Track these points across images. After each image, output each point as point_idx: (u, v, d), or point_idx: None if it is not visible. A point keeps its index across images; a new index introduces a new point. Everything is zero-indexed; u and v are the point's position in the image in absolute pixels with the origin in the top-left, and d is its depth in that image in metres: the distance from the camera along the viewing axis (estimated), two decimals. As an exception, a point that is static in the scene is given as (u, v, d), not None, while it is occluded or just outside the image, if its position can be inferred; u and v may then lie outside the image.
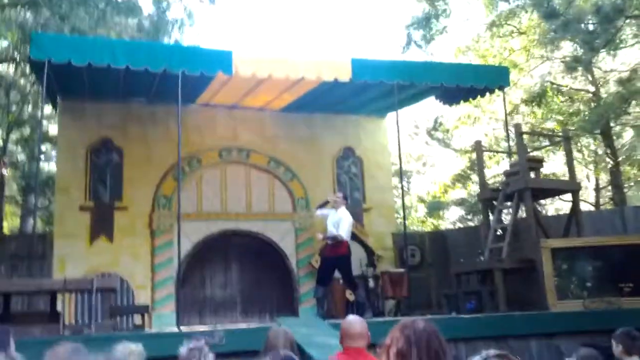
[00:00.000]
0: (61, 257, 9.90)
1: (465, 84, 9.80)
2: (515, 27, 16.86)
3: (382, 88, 10.04)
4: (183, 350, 3.55)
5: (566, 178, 11.33)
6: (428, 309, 9.94)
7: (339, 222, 8.39)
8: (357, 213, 11.26)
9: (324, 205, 9.07)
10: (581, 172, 17.79)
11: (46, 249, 10.06)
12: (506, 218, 10.34)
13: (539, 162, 10.44)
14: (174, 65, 8.17)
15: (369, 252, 11.49)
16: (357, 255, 10.39)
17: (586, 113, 15.20)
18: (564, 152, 11.95)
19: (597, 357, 4.20)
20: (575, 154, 15.17)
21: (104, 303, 7.44)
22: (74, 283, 7.49)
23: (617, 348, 4.38)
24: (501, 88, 10.45)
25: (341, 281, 9.23)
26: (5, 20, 11.72)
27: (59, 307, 8.01)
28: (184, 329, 7.56)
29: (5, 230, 16.52)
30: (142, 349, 3.75)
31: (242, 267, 11.33)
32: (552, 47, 15.66)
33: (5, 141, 15.66)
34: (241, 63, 8.47)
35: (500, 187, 10.07)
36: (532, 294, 8.49)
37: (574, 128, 14.43)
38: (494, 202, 9.88)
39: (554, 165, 18.14)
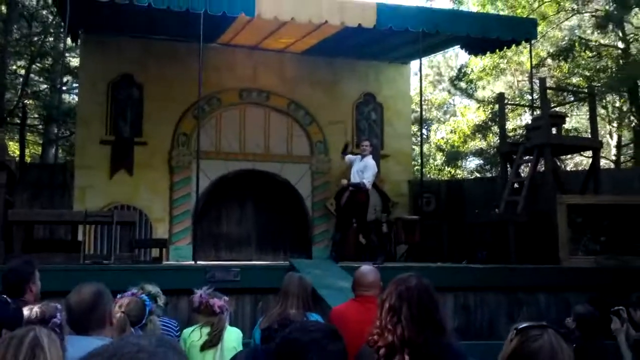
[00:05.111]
0: (82, 187, 10.13)
1: (492, 35, 9.62)
2: (546, -23, 16.30)
3: (407, 35, 9.84)
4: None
5: (588, 134, 11.20)
6: (439, 256, 9.96)
7: (363, 169, 8.24)
8: (375, 160, 11.25)
9: (345, 149, 8.97)
10: (604, 129, 17.51)
11: (67, 179, 10.23)
12: (524, 171, 10.30)
13: (562, 118, 10.35)
14: (197, 5, 8.03)
15: (385, 198, 11.51)
16: (373, 201, 10.37)
17: (614, 70, 14.80)
18: (587, 109, 11.75)
19: (592, 313, 4.27)
20: (600, 110, 14.88)
21: (123, 235, 7.58)
22: (94, 215, 7.67)
23: (636, 314, 4.42)
24: (528, 40, 10.26)
25: (355, 225, 9.27)
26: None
27: (79, 237, 8.24)
28: (200, 263, 7.78)
29: (27, 158, 16.79)
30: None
31: (258, 207, 11.49)
32: (584, 1, 15.16)
33: (28, 71, 15.71)
34: (264, 5, 8.33)
35: (520, 141, 9.99)
36: (546, 249, 8.51)
37: (600, 85, 14.11)
38: (513, 156, 9.82)
39: (576, 120, 17.87)
